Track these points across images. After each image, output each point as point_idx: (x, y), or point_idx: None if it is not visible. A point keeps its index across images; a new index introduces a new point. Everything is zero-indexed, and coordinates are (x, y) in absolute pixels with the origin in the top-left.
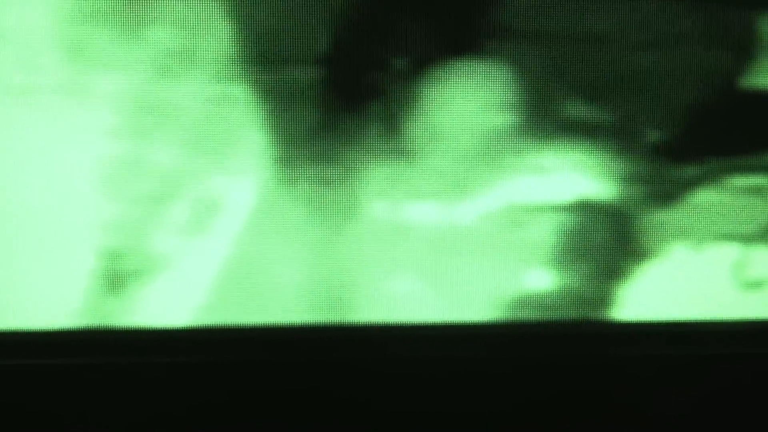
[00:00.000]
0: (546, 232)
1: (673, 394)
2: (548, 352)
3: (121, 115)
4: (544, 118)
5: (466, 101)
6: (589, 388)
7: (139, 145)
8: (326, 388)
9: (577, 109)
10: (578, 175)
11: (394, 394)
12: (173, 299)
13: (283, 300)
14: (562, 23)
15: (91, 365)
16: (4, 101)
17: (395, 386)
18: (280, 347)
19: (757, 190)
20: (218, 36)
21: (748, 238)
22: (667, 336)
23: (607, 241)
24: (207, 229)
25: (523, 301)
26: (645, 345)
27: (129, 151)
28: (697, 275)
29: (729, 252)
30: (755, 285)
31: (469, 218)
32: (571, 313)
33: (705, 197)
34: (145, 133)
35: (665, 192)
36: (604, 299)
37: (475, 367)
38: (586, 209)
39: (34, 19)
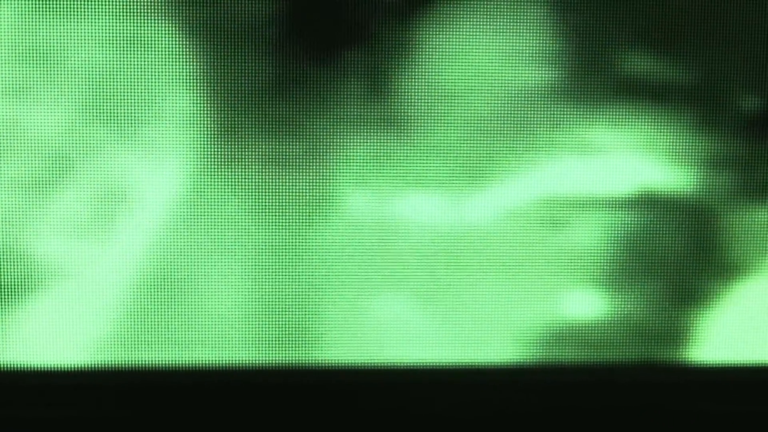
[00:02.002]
0: (595, 237)
1: None
2: (597, 402)
3: None
4: (594, 74)
5: (482, 51)
6: None
7: (16, 106)
8: None
9: (641, 64)
10: (641, 158)
11: None
12: (72, 329)
13: (222, 333)
14: None
15: None
16: None
17: None
18: (222, 393)
19: None
20: None
21: None
22: (756, 385)
23: (682, 253)
24: (114, 231)
25: (562, 337)
26: (728, 396)
27: (2, 115)
28: None
29: None
30: None
31: (486, 217)
32: (628, 353)
33: None
34: (25, 90)
35: (766, 182)
36: (676, 334)
37: (503, 423)
38: (651, 206)
39: None
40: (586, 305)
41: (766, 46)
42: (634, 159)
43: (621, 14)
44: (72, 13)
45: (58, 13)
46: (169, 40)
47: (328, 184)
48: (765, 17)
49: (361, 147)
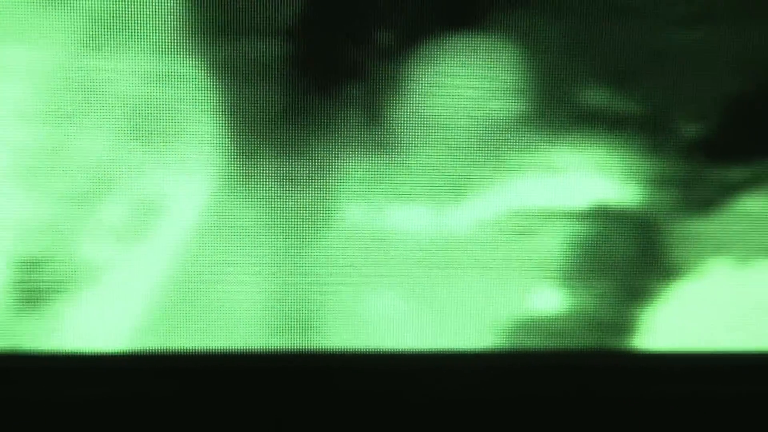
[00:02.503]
0: (556, 243)
1: None
2: (557, 387)
3: (43, 95)
4: (557, 106)
5: (462, 85)
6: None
7: (65, 131)
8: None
9: (596, 97)
10: (596, 176)
11: None
12: (105, 319)
13: (239, 322)
14: None
15: None
16: None
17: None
18: (233, 377)
19: None
20: (160, 1)
21: None
22: (698, 369)
23: (630, 256)
24: (147, 236)
25: (528, 327)
26: (670, 380)
27: (53, 139)
28: (737, 299)
29: None
30: None
31: (464, 226)
32: (584, 342)
33: (751, 205)
34: (72, 117)
35: (702, 198)
36: (624, 325)
37: (471, 407)
38: (605, 217)
39: None
40: (549, 300)
41: (700, 84)
42: (590, 178)
43: (579, 55)
44: (122, 52)
45: (110, 52)
46: (198, 76)
47: (330, 197)
48: (699, 60)
49: (359, 166)
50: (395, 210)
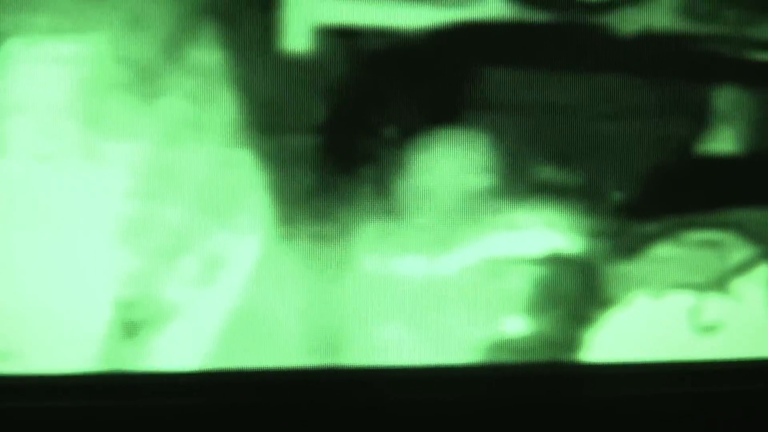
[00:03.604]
0: (522, 282)
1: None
2: (522, 392)
3: (135, 178)
4: (519, 180)
5: (449, 165)
6: (554, 421)
7: (151, 205)
8: (321, 427)
9: (548, 173)
10: (550, 232)
11: None
12: (182, 345)
13: (283, 346)
14: (534, 96)
15: (104, 408)
16: (27, 166)
17: (386, 426)
18: (281, 390)
19: (709, 244)
20: (223, 106)
21: (702, 287)
22: (627, 376)
23: (576, 291)
24: (214, 282)
25: (502, 345)
26: (607, 384)
27: (142, 211)
28: (656, 321)
29: (685, 300)
30: (708, 329)
31: (452, 270)
32: (543, 356)
33: (663, 250)
34: (156, 194)
35: (627, 246)
36: (573, 343)
37: (460, 408)
38: (557, 262)
39: (55, 91)
40: (515, 324)
41: (622, 162)
42: (544, 233)
43: (533, 142)
44: (193, 144)
45: (185, 144)
46: (251, 162)
47: (351, 250)
48: (632, 138)
49: (373, 227)
50: (400, 260)
